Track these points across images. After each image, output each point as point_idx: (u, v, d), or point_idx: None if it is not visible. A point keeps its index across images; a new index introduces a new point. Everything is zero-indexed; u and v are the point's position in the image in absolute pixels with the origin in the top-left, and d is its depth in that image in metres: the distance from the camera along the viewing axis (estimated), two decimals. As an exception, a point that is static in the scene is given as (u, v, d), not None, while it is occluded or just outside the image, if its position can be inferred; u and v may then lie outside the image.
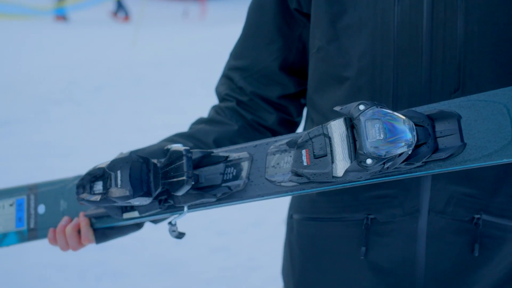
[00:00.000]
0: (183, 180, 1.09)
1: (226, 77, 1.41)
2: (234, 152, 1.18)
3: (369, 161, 0.95)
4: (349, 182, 1.05)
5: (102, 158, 5.44)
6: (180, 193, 1.10)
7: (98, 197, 1.14)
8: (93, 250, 2.85)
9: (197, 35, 11.49)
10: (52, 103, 7.40)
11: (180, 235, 1.20)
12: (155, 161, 1.16)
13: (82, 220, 1.27)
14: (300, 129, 1.47)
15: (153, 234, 2.57)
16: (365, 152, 0.95)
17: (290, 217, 1.44)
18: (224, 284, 3.42)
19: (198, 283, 3.45)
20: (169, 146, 1.18)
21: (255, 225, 4.08)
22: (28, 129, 6.52)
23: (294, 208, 1.42)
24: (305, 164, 1.03)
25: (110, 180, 1.12)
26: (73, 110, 7.15)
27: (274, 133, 1.37)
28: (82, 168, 5.53)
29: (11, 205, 1.35)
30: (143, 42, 11.52)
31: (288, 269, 1.45)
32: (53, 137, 6.25)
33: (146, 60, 9.44)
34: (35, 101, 7.49)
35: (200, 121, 1.39)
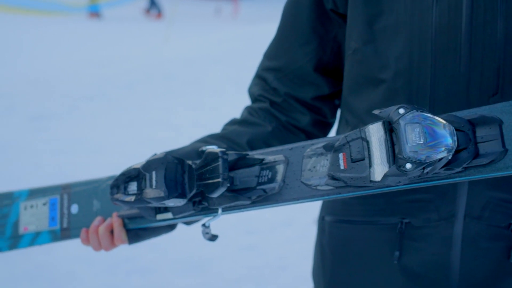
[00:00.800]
0: (219, 182, 1.08)
1: (260, 77, 1.39)
2: (269, 154, 1.17)
3: (408, 165, 0.93)
4: (387, 187, 1.03)
5: (132, 154, 5.50)
6: (215, 195, 1.10)
7: (132, 198, 1.13)
8: (122, 246, 2.87)
9: (228, 33, 11.51)
10: (84, 99, 7.46)
11: (213, 238, 1.19)
12: (189, 162, 1.15)
13: (115, 221, 1.27)
14: (333, 131, 1.46)
15: (182, 232, 2.58)
16: (404, 157, 0.93)
17: (321, 218, 1.43)
18: (253, 283, 3.41)
19: (226, 281, 3.45)
20: (204, 148, 1.17)
21: (285, 224, 4.07)
22: (60, 124, 6.59)
23: (326, 210, 1.41)
24: (342, 168, 1.02)
25: (145, 180, 1.11)
26: (104, 106, 7.21)
27: (308, 134, 1.36)
28: (112, 164, 5.61)
29: (44, 204, 1.35)
30: (175, 40, 11.57)
31: (318, 271, 1.43)
32: (84, 133, 6.30)
33: (178, 57, 9.48)
34: (67, 96, 7.56)
35: (233, 122, 1.38)
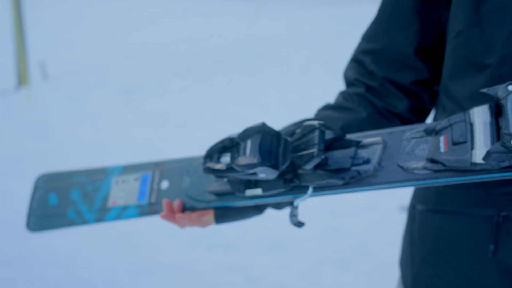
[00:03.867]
0: (313, 152, 1.05)
1: (356, 61, 1.35)
2: (367, 137, 1.14)
3: None
4: (487, 174, 0.99)
5: (218, 131, 5.57)
6: (309, 166, 1.06)
7: (223, 166, 1.12)
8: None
9: (319, 13, 11.41)
10: (173, 74, 7.59)
11: (300, 224, 1.17)
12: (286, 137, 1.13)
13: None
14: (429, 119, 1.41)
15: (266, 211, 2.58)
16: (510, 132, 0.89)
17: (412, 207, 1.38)
18: (333, 266, 3.39)
19: (307, 262, 3.44)
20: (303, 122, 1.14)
21: (369, 209, 4.02)
22: (149, 98, 6.73)
23: (417, 198, 1.36)
24: (442, 150, 0.98)
25: (239, 150, 1.10)
26: (192, 82, 7.30)
27: (404, 121, 1.31)
28: (198, 139, 5.70)
29: (135, 179, 1.36)
30: (265, 18, 11.57)
31: (406, 260, 1.39)
32: (172, 107, 6.41)
33: (267, 36, 9.48)
34: (157, 71, 7.71)
35: (327, 107, 1.34)
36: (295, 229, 3.55)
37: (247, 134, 1.10)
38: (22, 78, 6.98)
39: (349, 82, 1.35)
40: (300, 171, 1.11)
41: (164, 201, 1.27)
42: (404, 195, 3.79)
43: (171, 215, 1.27)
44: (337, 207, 4.02)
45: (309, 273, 3.34)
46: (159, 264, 3.47)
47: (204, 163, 1.16)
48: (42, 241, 3.64)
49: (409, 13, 1.26)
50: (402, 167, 1.07)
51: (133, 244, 3.68)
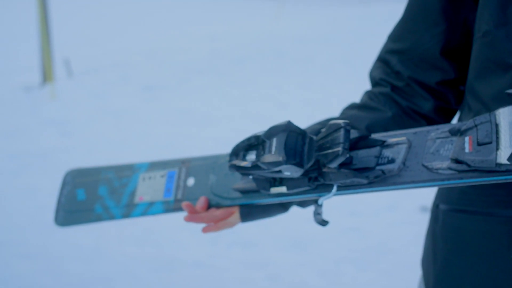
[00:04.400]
0: (338, 151, 1.06)
1: (382, 60, 1.36)
2: (392, 137, 1.14)
3: None
4: (511, 175, 0.99)
5: (239, 129, 5.58)
6: (333, 164, 1.07)
7: (249, 163, 1.13)
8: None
9: (341, 13, 11.39)
10: (195, 72, 7.62)
11: (324, 222, 1.18)
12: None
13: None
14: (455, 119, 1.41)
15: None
16: None
17: (436, 206, 1.38)
18: (353, 266, 3.39)
19: (326, 261, 3.45)
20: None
21: (389, 209, 4.02)
22: (171, 96, 6.77)
23: (441, 198, 1.36)
24: (467, 151, 0.99)
25: (264, 148, 1.12)
26: (214, 80, 7.33)
27: (429, 121, 1.32)
28: (219, 137, 5.71)
29: (162, 176, 1.38)
30: (287, 17, 11.57)
31: (429, 260, 1.39)
32: (193, 105, 6.44)
33: (289, 35, 9.48)
34: (179, 69, 7.75)
35: (352, 107, 1.35)
36: (315, 227, 3.57)
37: (272, 132, 1.11)
38: (47, 75, 7.05)
39: (375, 82, 1.36)
40: (324, 170, 1.12)
41: (184, 204, 1.28)
42: (425, 195, 3.79)
43: (194, 216, 1.29)
44: (357, 207, 4.02)
45: (329, 272, 3.35)
46: (180, 260, 3.49)
47: (230, 160, 1.18)
48: (66, 236, 3.69)
49: (435, 13, 1.26)
50: (426, 167, 1.07)
51: (155, 240, 3.71)
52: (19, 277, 3.37)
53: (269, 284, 3.27)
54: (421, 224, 3.78)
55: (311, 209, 1.24)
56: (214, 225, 1.31)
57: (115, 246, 3.65)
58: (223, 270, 3.40)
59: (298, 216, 3.33)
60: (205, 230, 1.32)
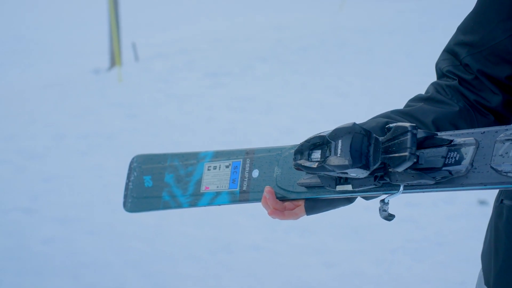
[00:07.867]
0: (405, 155, 1.05)
1: (450, 52, 1.33)
2: (459, 136, 1.12)
3: None
4: None
5: (300, 117, 5.60)
6: (400, 169, 1.06)
7: (315, 164, 1.13)
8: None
9: (403, 5, 11.26)
10: (258, 60, 7.69)
11: (390, 217, 1.16)
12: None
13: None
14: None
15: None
16: None
17: (500, 201, 1.35)
18: (408, 256, 3.42)
19: (382, 250, 3.49)
20: (391, 125, 1.12)
21: (447, 201, 4.01)
22: (235, 83, 6.86)
23: (506, 194, 1.33)
24: None
25: (329, 149, 1.11)
26: (277, 68, 7.39)
27: (497, 116, 1.29)
28: (280, 125, 5.77)
29: (227, 166, 1.39)
30: (350, 8, 11.51)
31: (490, 255, 1.38)
32: (256, 92, 6.52)
33: (351, 26, 9.44)
34: (243, 56, 7.83)
35: (419, 99, 1.32)
36: (372, 216, 3.60)
37: (337, 134, 1.10)
38: (115, 59, 7.26)
39: (441, 73, 1.34)
40: (390, 170, 1.11)
41: (267, 190, 1.26)
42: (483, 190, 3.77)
43: (278, 213, 1.27)
44: (414, 197, 4.02)
45: (384, 261, 3.39)
46: (238, 243, 3.59)
47: (295, 159, 1.18)
48: (129, 214, 3.83)
49: (508, 7, 1.24)
50: (495, 170, 1.05)
51: (215, 223, 3.81)
52: (84, 252, 3.53)
53: (325, 270, 3.33)
54: (479, 217, 3.78)
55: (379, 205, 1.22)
56: (281, 212, 1.30)
57: (176, 227, 3.77)
58: (280, 255, 3.48)
59: (356, 205, 3.37)
60: (271, 213, 1.31)
